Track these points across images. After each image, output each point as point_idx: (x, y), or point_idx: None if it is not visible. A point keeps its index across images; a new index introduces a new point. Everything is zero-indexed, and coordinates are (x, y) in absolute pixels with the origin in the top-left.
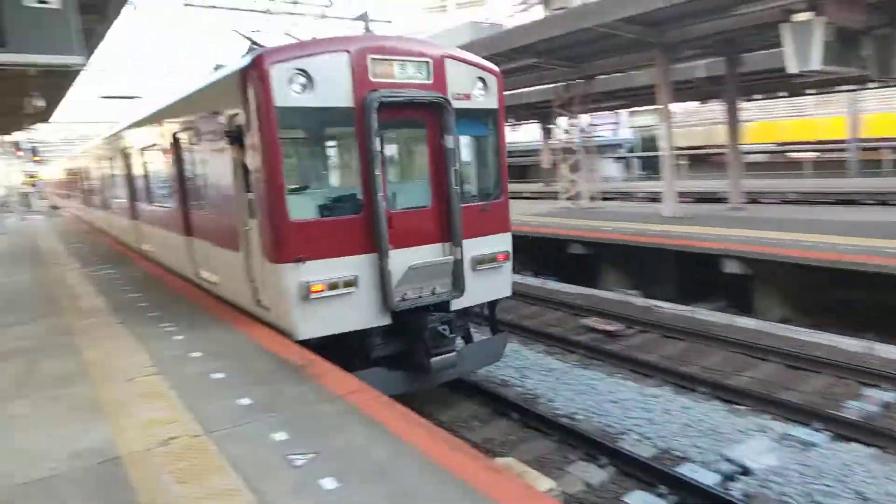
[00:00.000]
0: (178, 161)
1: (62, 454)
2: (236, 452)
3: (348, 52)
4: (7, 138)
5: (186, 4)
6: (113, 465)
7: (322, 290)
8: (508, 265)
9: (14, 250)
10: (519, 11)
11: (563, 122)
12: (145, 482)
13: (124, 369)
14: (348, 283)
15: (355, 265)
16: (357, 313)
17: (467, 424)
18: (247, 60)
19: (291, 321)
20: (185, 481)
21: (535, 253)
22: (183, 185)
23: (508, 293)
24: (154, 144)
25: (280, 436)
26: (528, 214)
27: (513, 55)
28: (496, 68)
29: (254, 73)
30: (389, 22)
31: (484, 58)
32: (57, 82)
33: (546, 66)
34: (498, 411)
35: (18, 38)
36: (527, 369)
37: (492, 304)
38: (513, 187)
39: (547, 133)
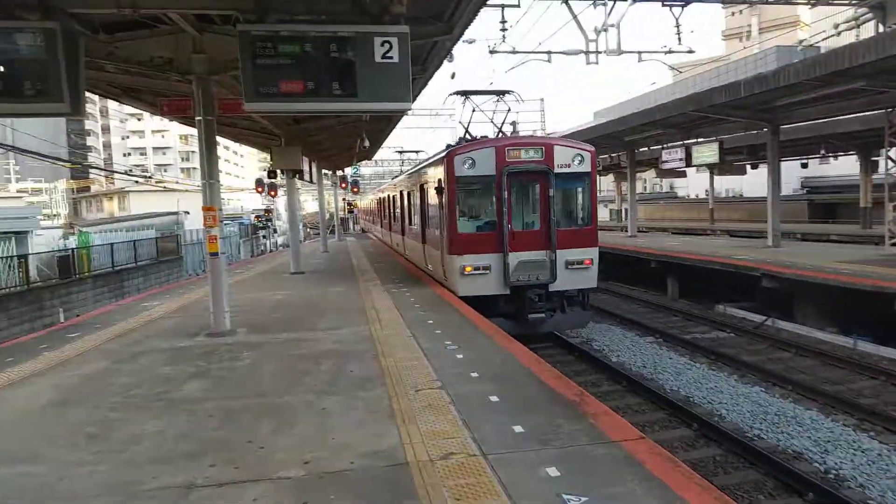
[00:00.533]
0: (421, 200)
1: (360, 451)
2: (509, 479)
3: (495, 147)
4: (338, 173)
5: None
6: (401, 470)
7: (471, 271)
8: (593, 268)
9: (334, 266)
10: (840, 31)
11: (894, 153)
12: (427, 493)
13: (414, 380)
14: (486, 268)
15: (491, 258)
16: (491, 285)
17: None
18: (445, 152)
19: (456, 286)
20: (461, 498)
21: (841, 306)
22: (422, 214)
23: (594, 285)
24: (411, 190)
25: (552, 471)
26: (834, 261)
27: (834, 79)
28: (591, 147)
29: (447, 159)
30: (692, 52)
31: (803, 81)
32: (380, 127)
33: (875, 90)
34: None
35: (367, 89)
36: (829, 443)
37: (582, 292)
38: (816, 228)
39: (868, 166)
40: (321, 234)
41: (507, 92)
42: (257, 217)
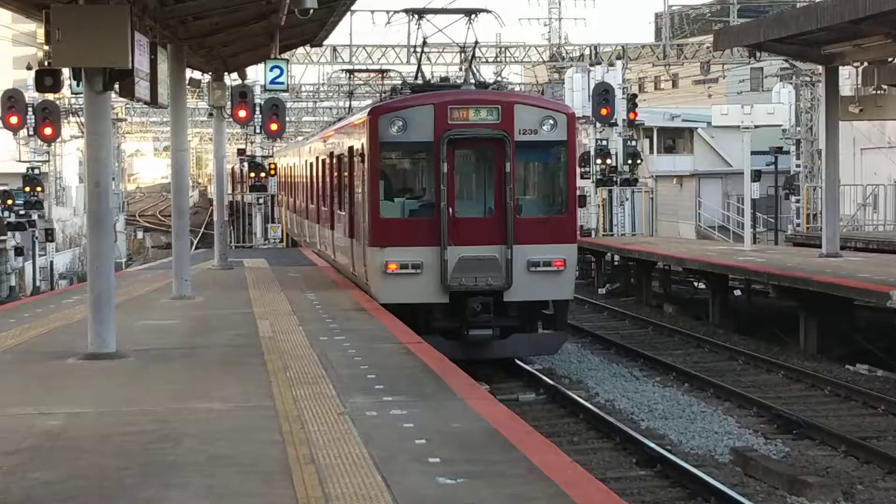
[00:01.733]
0: (339, 173)
1: None
2: None
3: (434, 104)
4: (228, 81)
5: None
6: None
7: (397, 269)
8: (568, 272)
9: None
10: None
11: None
12: None
13: None
14: (417, 267)
15: (424, 253)
16: (423, 290)
17: None
18: (367, 109)
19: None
20: None
21: None
22: (339, 192)
23: (569, 297)
24: (327, 159)
25: None
26: None
27: None
28: (568, 107)
29: (369, 119)
30: None
31: None
32: None
33: None
34: None
35: None
36: None
37: (556, 305)
38: None
39: None
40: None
41: (479, 11)
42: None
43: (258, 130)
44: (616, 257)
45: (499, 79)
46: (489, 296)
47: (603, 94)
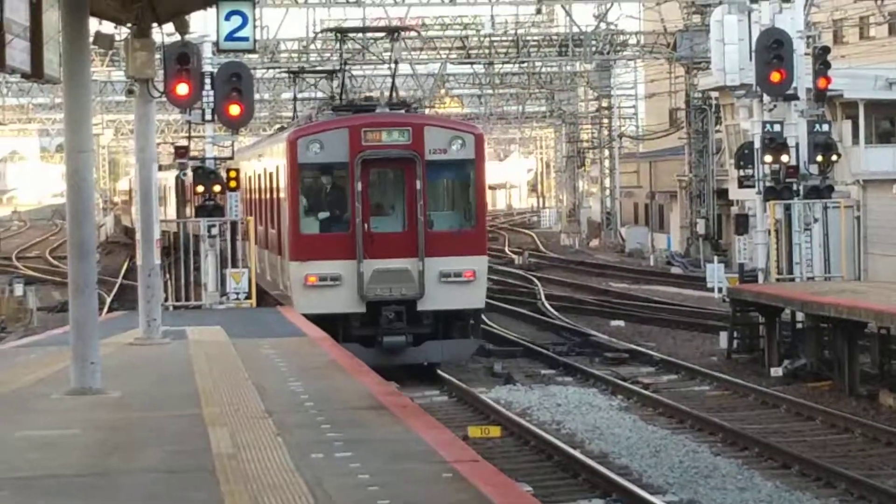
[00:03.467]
0: (262, 190)
1: None
2: None
3: (349, 127)
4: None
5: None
6: None
7: (316, 282)
8: (479, 282)
9: None
10: None
11: None
12: None
13: None
14: (335, 279)
15: (342, 266)
16: (341, 301)
17: None
18: (287, 132)
19: (298, 301)
20: None
21: None
22: (266, 209)
23: (480, 306)
24: (256, 176)
25: None
26: None
27: None
28: (477, 128)
29: (287, 142)
30: None
31: None
32: None
33: None
34: None
35: None
36: None
37: (468, 314)
38: None
39: None
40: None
41: (403, 29)
42: None
43: (209, 117)
44: (800, 316)
45: (410, 101)
46: (403, 305)
47: (773, 49)
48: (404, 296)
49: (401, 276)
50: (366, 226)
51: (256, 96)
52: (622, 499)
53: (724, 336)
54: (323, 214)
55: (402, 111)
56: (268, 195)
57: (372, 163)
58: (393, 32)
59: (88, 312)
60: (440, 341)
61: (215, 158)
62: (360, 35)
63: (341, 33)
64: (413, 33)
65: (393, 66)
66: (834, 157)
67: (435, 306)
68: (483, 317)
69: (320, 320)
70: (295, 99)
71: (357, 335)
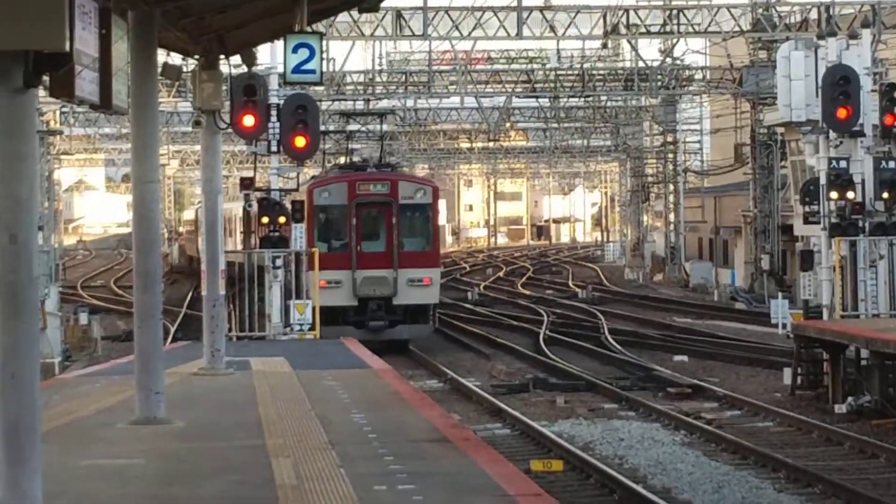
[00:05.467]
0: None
1: None
2: None
3: (347, 181)
4: (225, 68)
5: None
6: None
7: (326, 285)
8: (434, 285)
9: None
10: None
11: None
12: None
13: None
14: (338, 282)
15: (342, 274)
16: (342, 297)
17: None
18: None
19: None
20: None
21: None
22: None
23: (435, 301)
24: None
25: None
26: None
27: None
28: (432, 182)
29: (307, 190)
30: None
31: None
32: None
33: None
34: None
35: None
36: None
37: (430, 307)
38: None
39: None
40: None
41: (387, 113)
42: None
43: (275, 148)
44: (864, 353)
45: (392, 161)
46: (383, 300)
47: (839, 85)
48: (384, 294)
49: (382, 281)
50: (358, 247)
51: (322, 128)
52: None
53: (787, 372)
54: (330, 239)
55: (387, 170)
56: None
57: (363, 205)
58: (380, 116)
59: (153, 342)
60: (408, 325)
61: (280, 190)
62: (425, 69)
63: (345, 116)
64: (478, 66)
65: (381, 140)
66: None
67: (405, 301)
68: (437, 309)
69: (329, 310)
70: (349, 147)
71: (352, 320)
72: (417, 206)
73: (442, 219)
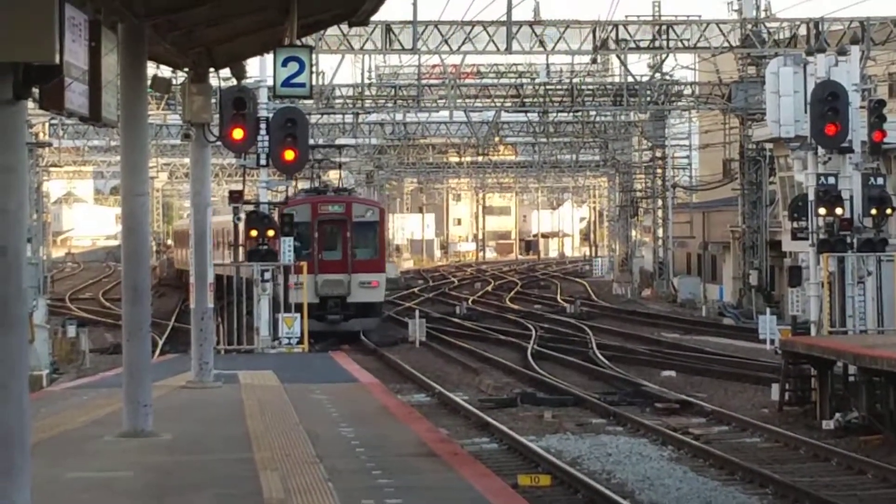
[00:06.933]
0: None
1: None
2: None
3: (311, 203)
4: (215, 80)
5: None
6: None
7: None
8: (380, 287)
9: None
10: None
11: None
12: None
13: None
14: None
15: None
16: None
17: None
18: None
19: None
20: None
21: None
22: None
23: (381, 300)
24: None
25: None
26: None
27: None
28: (380, 203)
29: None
30: None
31: None
32: None
33: None
34: None
35: None
36: None
37: (376, 305)
38: None
39: None
40: None
41: (345, 147)
42: None
43: (264, 161)
44: (852, 369)
45: (348, 186)
46: (339, 299)
47: (828, 101)
48: (340, 294)
49: (338, 283)
50: (319, 256)
51: (311, 142)
52: None
53: (775, 388)
54: (298, 250)
55: (343, 193)
56: None
57: (324, 222)
58: (339, 148)
59: (141, 355)
60: (360, 319)
61: (269, 203)
62: (414, 83)
63: (317, 161)
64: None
65: (339, 169)
66: (888, 211)
67: (357, 300)
68: (382, 307)
69: (298, 306)
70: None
71: (314, 315)
72: (367, 223)
73: (389, 234)
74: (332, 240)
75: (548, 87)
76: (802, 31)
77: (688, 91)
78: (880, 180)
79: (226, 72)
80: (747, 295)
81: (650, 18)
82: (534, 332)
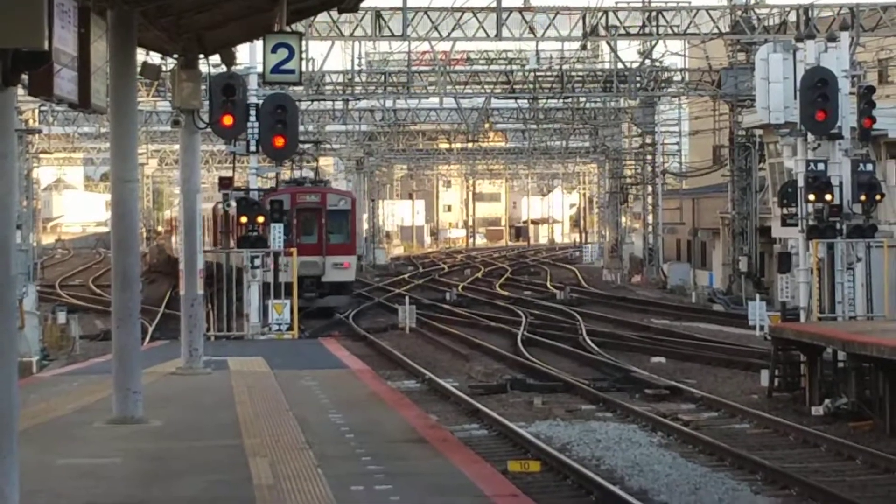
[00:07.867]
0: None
1: None
2: None
3: (291, 193)
4: (204, 66)
5: None
6: None
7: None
8: (351, 268)
9: None
10: None
11: None
12: None
13: None
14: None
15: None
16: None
17: None
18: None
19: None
20: None
21: None
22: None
23: (352, 279)
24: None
25: None
26: None
27: None
28: (352, 193)
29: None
30: None
31: None
32: None
33: None
34: None
35: None
36: None
37: (348, 283)
38: None
39: None
40: None
41: (320, 142)
42: None
43: (254, 148)
44: (841, 355)
45: (323, 178)
46: (315, 278)
47: (818, 88)
48: (315, 274)
49: (315, 265)
50: (298, 240)
51: (301, 128)
52: None
53: (765, 374)
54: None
55: (320, 184)
56: None
57: (301, 210)
58: (316, 144)
59: (131, 342)
60: (334, 296)
61: (259, 190)
62: (404, 69)
63: (298, 154)
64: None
65: (316, 162)
66: (878, 197)
67: (330, 279)
68: (353, 285)
69: (288, 286)
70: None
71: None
72: (340, 211)
73: (361, 221)
74: (309, 226)
75: (538, 73)
76: (792, 17)
77: (677, 77)
78: (870, 166)
79: (216, 58)
80: (737, 281)
81: (640, 5)
82: (524, 318)
